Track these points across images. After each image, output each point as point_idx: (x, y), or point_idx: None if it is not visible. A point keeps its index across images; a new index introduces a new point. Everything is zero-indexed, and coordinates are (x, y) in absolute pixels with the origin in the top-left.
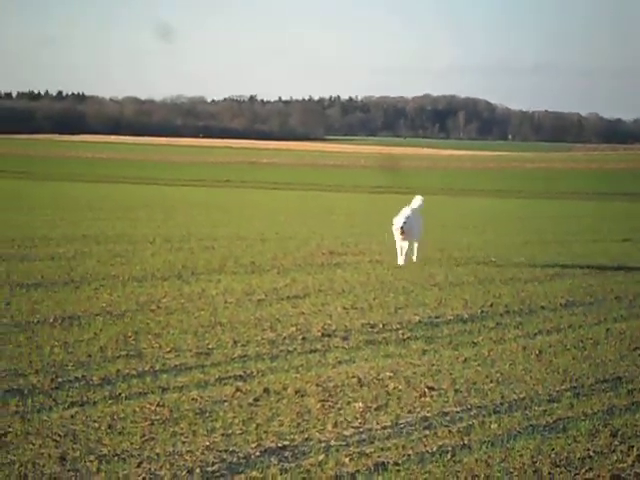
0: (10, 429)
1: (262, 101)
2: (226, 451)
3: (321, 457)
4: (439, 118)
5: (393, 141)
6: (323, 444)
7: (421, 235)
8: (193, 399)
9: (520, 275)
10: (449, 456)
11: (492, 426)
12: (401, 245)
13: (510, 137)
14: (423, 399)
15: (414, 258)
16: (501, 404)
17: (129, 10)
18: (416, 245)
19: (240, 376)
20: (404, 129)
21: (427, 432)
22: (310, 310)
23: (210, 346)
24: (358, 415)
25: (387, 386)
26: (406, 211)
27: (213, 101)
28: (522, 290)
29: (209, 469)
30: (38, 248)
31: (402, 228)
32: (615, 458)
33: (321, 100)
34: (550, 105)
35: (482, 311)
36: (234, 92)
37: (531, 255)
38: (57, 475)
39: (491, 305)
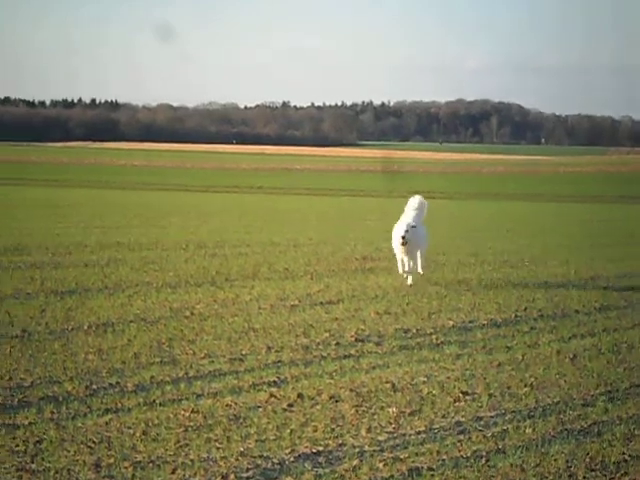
0: (45, 436)
1: (295, 107)
2: (260, 457)
3: (355, 462)
4: (472, 123)
5: (427, 146)
6: (357, 449)
7: (427, 245)
8: (227, 405)
9: (554, 279)
10: (483, 461)
11: (527, 431)
12: (402, 258)
13: (543, 141)
14: (457, 404)
15: (419, 269)
16: (535, 408)
17: (162, 17)
18: (419, 254)
19: (274, 382)
20: (437, 134)
21: (461, 437)
22: (343, 315)
23: (244, 352)
24: (392, 420)
25: (421, 391)
26: (407, 217)
27: (246, 107)
28: (556, 294)
29: (243, 475)
30: (72, 255)
31: (404, 238)
32: None
33: (354, 105)
34: (583, 109)
35: (516, 315)
36: (267, 98)
37: (565, 259)
38: None
39: (525, 309)
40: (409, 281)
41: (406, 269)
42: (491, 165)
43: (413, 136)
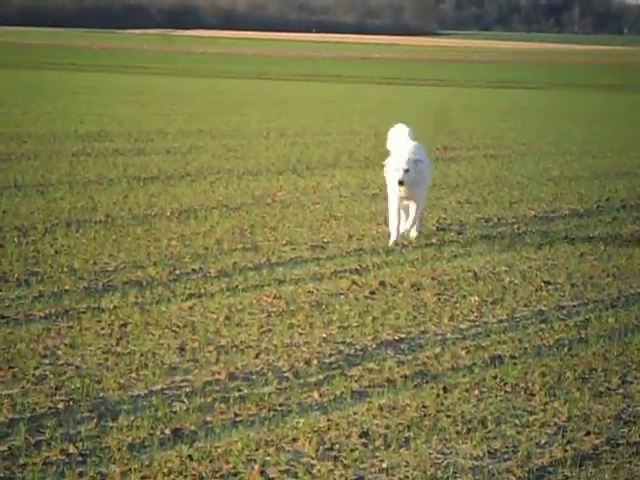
0: (130, 320)
1: None
2: (343, 343)
3: (437, 350)
4: (554, 12)
5: (508, 36)
6: (439, 337)
7: (428, 188)
8: (309, 292)
9: (636, 170)
10: (566, 350)
11: (609, 320)
12: (396, 206)
13: (626, 31)
14: (539, 293)
15: (412, 230)
16: (618, 298)
17: None
18: (416, 208)
19: (356, 269)
20: (518, 24)
21: (543, 326)
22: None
23: (325, 240)
24: (474, 308)
25: (503, 280)
26: (407, 147)
27: None
28: (638, 185)
29: (326, 360)
30: (154, 142)
31: (401, 182)
32: None
33: None
34: None
35: (598, 206)
36: None
37: None
38: (176, 365)
39: (607, 200)
40: (392, 236)
41: (397, 222)
42: (572, 55)
43: (494, 26)
